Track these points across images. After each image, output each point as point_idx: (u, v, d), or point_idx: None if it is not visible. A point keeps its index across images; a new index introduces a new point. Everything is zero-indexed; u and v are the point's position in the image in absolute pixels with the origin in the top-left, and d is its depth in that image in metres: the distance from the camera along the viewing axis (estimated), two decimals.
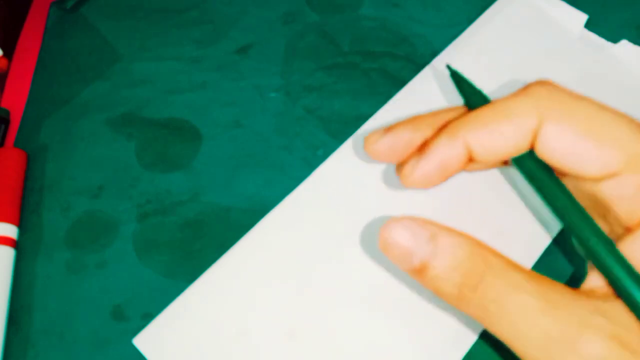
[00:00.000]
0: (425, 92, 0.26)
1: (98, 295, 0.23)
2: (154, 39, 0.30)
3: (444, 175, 0.18)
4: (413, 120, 0.20)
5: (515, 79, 0.26)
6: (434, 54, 0.28)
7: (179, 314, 0.21)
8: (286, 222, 0.23)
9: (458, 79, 0.20)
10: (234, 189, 0.25)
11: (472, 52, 0.27)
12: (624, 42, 0.27)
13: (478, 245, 0.16)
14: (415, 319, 0.21)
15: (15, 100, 0.29)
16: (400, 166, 0.19)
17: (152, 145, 0.27)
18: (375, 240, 0.23)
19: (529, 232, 0.23)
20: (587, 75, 0.26)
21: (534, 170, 0.17)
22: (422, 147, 0.18)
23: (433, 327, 0.21)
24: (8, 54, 0.31)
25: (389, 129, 0.20)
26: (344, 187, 0.24)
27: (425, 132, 0.19)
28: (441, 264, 0.16)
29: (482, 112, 0.17)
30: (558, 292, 0.15)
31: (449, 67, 0.21)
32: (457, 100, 0.26)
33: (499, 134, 0.17)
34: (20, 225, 0.25)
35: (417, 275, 0.16)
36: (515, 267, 0.16)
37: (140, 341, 0.21)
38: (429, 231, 0.16)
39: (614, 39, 0.28)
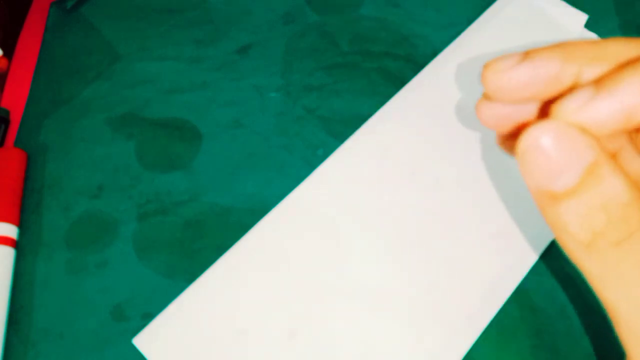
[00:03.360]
0: (426, 92, 0.26)
1: (98, 295, 0.23)
2: (154, 39, 0.30)
3: (623, 125, 0.13)
4: (563, 48, 0.14)
5: None
6: (434, 54, 0.28)
7: (179, 314, 0.21)
8: (286, 222, 0.23)
9: None
10: (234, 189, 0.25)
11: (472, 52, 0.27)
12: None
13: None
14: (415, 319, 0.21)
15: (15, 100, 0.29)
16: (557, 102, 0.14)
17: (152, 145, 0.27)
18: (375, 239, 0.23)
19: (529, 232, 0.23)
20: None
21: None
22: (606, 78, 0.13)
23: (433, 327, 0.21)
24: (8, 54, 0.31)
25: (526, 54, 0.15)
26: (344, 187, 0.24)
27: (582, 64, 0.14)
28: (590, 198, 0.12)
29: None
30: None
31: None
32: (459, 99, 0.26)
33: None
34: (20, 225, 0.25)
35: (547, 201, 0.13)
36: None
37: (140, 341, 0.21)
38: (594, 154, 0.12)
39: None
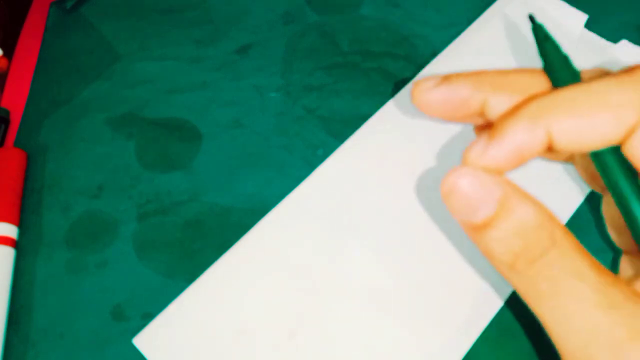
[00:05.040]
0: None
1: (98, 295, 0.23)
2: (154, 39, 0.30)
3: (517, 163, 0.15)
4: (475, 76, 0.17)
5: None
6: (434, 54, 0.28)
7: (179, 314, 0.21)
8: (286, 222, 0.23)
9: (542, 36, 0.16)
10: (234, 189, 0.25)
11: (472, 52, 0.27)
12: (624, 42, 0.27)
13: (550, 218, 0.15)
14: (415, 319, 0.21)
15: (15, 100, 0.29)
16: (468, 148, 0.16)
17: (152, 145, 0.27)
18: (375, 239, 0.23)
19: None
20: None
21: (614, 169, 0.15)
22: (495, 127, 0.15)
23: (433, 327, 0.21)
24: (8, 54, 0.31)
25: (445, 78, 0.17)
26: (344, 187, 0.24)
27: (488, 92, 0.16)
28: (505, 227, 0.15)
29: (572, 95, 0.15)
30: (620, 291, 0.14)
31: (531, 17, 0.17)
32: None
33: (590, 125, 0.14)
34: (20, 225, 0.25)
35: (473, 232, 0.15)
36: (583, 252, 0.14)
37: (140, 341, 0.21)
38: (502, 190, 0.15)
39: (614, 39, 0.28)
